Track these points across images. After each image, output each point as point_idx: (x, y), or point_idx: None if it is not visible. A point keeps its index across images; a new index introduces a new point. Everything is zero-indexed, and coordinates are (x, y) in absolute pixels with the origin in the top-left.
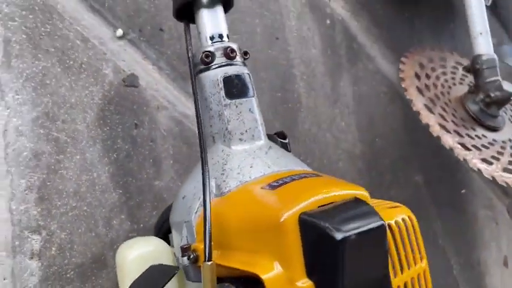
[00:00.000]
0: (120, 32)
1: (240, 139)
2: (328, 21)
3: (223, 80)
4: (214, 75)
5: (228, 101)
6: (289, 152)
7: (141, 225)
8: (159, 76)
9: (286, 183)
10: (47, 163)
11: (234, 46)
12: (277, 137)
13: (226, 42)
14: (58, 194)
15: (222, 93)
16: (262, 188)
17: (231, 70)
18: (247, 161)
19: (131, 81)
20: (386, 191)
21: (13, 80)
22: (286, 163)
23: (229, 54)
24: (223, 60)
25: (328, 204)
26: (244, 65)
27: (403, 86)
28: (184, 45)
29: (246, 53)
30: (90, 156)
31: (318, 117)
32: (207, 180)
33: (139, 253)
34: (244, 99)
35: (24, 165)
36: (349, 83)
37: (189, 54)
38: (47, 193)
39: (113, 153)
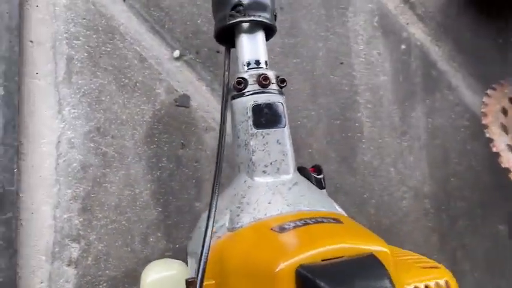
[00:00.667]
0: (177, 53)
1: (264, 171)
2: (403, 46)
3: (252, 108)
4: (245, 103)
5: (255, 130)
6: (323, 188)
7: (177, 245)
8: (211, 97)
9: (297, 227)
10: (93, 176)
11: (270, 73)
12: (311, 172)
13: (262, 69)
14: (100, 206)
15: (250, 121)
16: (271, 229)
17: (262, 98)
18: (267, 197)
19: (183, 102)
20: (458, 238)
21: (71, 95)
22: (310, 202)
23: (262, 81)
24: (256, 87)
25: (336, 258)
26: (281, 93)
27: (483, 122)
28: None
29: (283, 81)
30: (135, 172)
31: (382, 150)
32: (213, 214)
33: (159, 277)
34: (272, 130)
35: (72, 176)
36: (422, 114)
37: (225, 79)
38: (90, 204)
39: (156, 171)
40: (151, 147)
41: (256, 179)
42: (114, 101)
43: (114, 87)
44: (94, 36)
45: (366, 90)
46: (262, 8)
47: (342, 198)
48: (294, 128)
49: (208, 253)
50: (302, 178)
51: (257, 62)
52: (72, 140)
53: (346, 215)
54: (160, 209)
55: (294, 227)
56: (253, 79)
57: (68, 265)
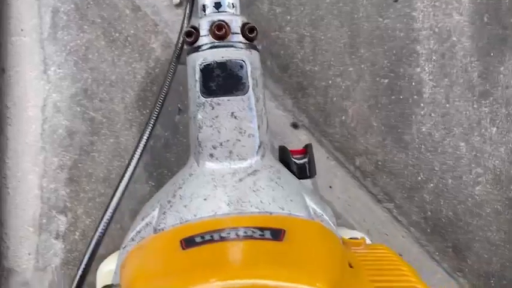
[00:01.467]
0: None
1: (211, 155)
2: None
3: (200, 69)
4: (194, 61)
5: (202, 99)
6: (309, 177)
7: None
8: None
9: (209, 242)
10: (80, 143)
11: (229, 19)
12: (293, 154)
13: (220, 14)
14: (88, 177)
15: (198, 87)
16: (182, 240)
17: (215, 55)
18: (205, 190)
19: (181, 58)
20: None
21: (57, 53)
22: (264, 200)
23: (215, 31)
24: (209, 39)
25: None
26: (248, 48)
27: None
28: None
29: (251, 30)
30: (125, 140)
31: (449, 118)
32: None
33: (111, 269)
34: (225, 99)
35: (58, 144)
36: None
37: (182, 30)
38: (77, 175)
39: (149, 140)
40: (144, 112)
41: (202, 164)
42: (102, 58)
43: (103, 43)
44: None
45: (430, 36)
46: None
47: (384, 180)
48: (323, 89)
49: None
50: (271, 164)
51: (217, 5)
52: (58, 104)
53: (329, 220)
54: (153, 184)
55: (204, 242)
56: (206, 28)
57: (56, 238)
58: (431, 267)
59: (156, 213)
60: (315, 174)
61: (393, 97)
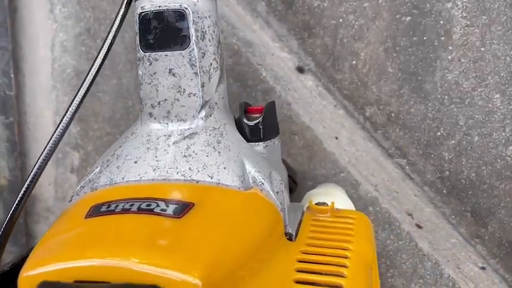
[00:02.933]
0: None
1: (150, 114)
2: None
3: (138, 20)
4: (135, 10)
5: (141, 53)
6: (261, 140)
7: None
8: None
9: (107, 213)
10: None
11: None
12: (248, 113)
13: None
14: (95, 116)
15: (137, 39)
16: (94, 206)
17: (152, 3)
18: (138, 152)
19: None
20: None
21: None
22: (193, 167)
23: None
24: None
25: (99, 282)
26: None
27: None
28: None
29: None
30: (126, 82)
31: (483, 64)
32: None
33: None
34: (162, 54)
35: (67, 83)
36: None
37: None
38: (85, 114)
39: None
40: None
41: (143, 123)
42: None
43: None
44: None
45: None
46: None
47: (397, 134)
48: (333, 29)
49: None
50: (215, 126)
51: None
52: (65, 43)
53: (271, 188)
54: None
55: (105, 213)
56: None
57: (71, 172)
58: (445, 229)
59: (97, 170)
60: (276, 135)
61: (415, 38)
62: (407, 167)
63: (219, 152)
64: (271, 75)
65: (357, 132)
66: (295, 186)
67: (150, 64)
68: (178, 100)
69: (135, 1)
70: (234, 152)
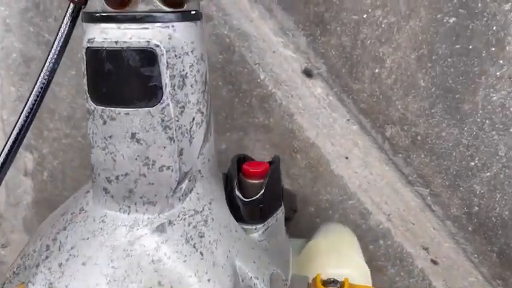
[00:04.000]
0: None
1: (105, 190)
2: None
3: (86, 57)
4: (83, 40)
5: (91, 104)
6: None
7: None
8: None
9: None
10: (38, 72)
11: None
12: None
13: None
14: (50, 114)
15: (85, 82)
16: None
17: (105, 36)
18: (87, 247)
19: None
20: None
21: None
22: (171, 279)
23: None
24: (101, 5)
25: None
26: (170, 21)
27: None
28: None
29: None
30: None
31: None
32: None
33: None
34: (122, 111)
35: (13, 71)
36: None
37: None
38: (39, 110)
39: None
40: None
41: (96, 199)
42: None
43: None
44: None
45: None
46: None
47: (422, 160)
48: (354, 26)
49: None
50: (197, 209)
51: None
52: (8, 21)
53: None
54: None
55: None
56: None
57: (24, 175)
58: (464, 267)
59: (35, 256)
60: (279, 206)
61: (457, 46)
62: (429, 198)
63: (201, 253)
64: (271, 78)
65: (372, 153)
66: (293, 215)
67: (104, 123)
68: (144, 176)
69: (82, 21)
70: (222, 250)
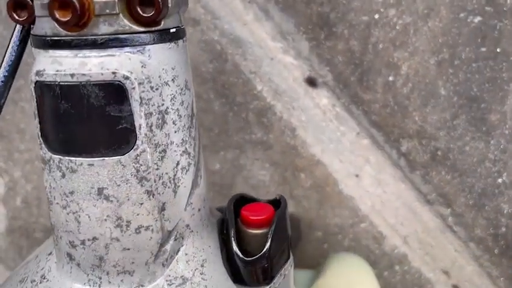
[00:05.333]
0: None
1: (69, 256)
2: None
3: (35, 93)
4: (31, 72)
5: (47, 153)
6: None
7: None
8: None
9: None
10: None
11: None
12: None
13: None
14: (20, 134)
15: (38, 128)
16: None
17: (57, 66)
18: None
19: None
20: None
21: None
22: None
23: (54, 12)
24: (51, 26)
25: None
26: (143, 43)
27: None
28: None
29: (148, 2)
30: None
31: None
32: None
33: None
34: (84, 161)
35: None
36: None
37: None
38: (7, 129)
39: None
40: None
41: (59, 265)
42: None
43: None
44: None
45: None
46: None
47: (443, 177)
48: (364, 28)
49: None
50: (185, 275)
51: None
52: None
53: None
54: None
55: None
56: (45, 0)
57: None
58: None
59: None
60: (287, 259)
61: (483, 49)
62: (450, 218)
63: None
64: (269, 89)
65: (386, 170)
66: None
67: (63, 176)
68: (117, 240)
69: (31, 45)
70: None
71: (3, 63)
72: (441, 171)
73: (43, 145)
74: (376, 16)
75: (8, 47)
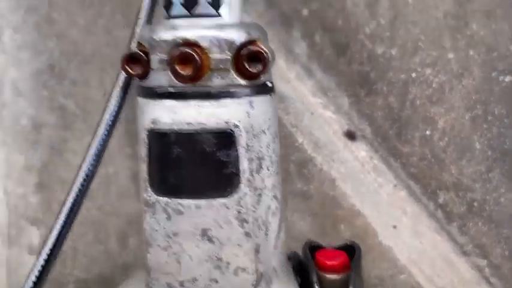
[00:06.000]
0: None
1: None
2: None
3: (147, 141)
4: (144, 118)
5: (152, 195)
6: None
7: None
8: None
9: None
10: (50, 139)
11: (209, 37)
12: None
13: (189, 24)
14: (61, 184)
15: (145, 170)
16: None
17: (174, 115)
18: None
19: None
20: None
21: (12, 10)
22: None
23: (175, 67)
24: (168, 79)
25: None
26: (247, 94)
27: None
28: None
29: (254, 58)
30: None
31: None
32: None
33: None
34: (192, 203)
35: (22, 138)
36: None
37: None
38: (48, 179)
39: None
40: (131, 102)
41: None
42: (72, 21)
43: None
44: None
45: None
46: None
47: (480, 228)
48: (402, 85)
49: None
50: None
51: (191, 1)
52: (18, 84)
53: None
54: None
55: None
56: (162, 56)
57: (30, 253)
58: None
59: None
60: None
61: None
62: (486, 269)
63: None
64: (309, 141)
65: (423, 221)
66: None
67: (169, 218)
68: (216, 281)
69: (137, 95)
70: None
71: (105, 114)
72: (477, 223)
73: (149, 188)
74: (414, 75)
75: (110, 97)
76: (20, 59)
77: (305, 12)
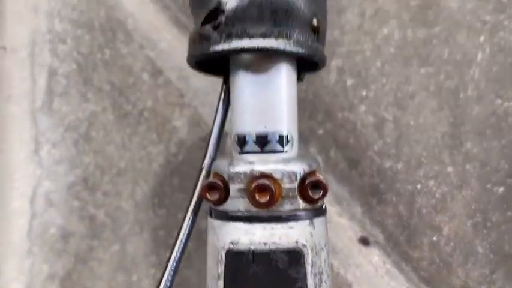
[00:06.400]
0: None
1: None
2: None
3: (225, 260)
4: (218, 240)
5: None
6: None
7: None
8: None
9: None
10: (77, 248)
11: (279, 170)
12: None
13: (261, 159)
14: None
15: (221, 286)
16: None
17: (252, 237)
18: None
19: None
20: None
21: (52, 128)
22: None
23: (254, 195)
24: (245, 205)
25: None
26: (310, 217)
27: None
28: None
29: (316, 186)
30: (133, 249)
31: None
32: None
33: None
34: None
35: (48, 247)
36: None
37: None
38: None
39: (165, 250)
40: (159, 212)
41: None
42: (109, 138)
43: (111, 118)
44: (87, 37)
45: None
46: (284, 17)
47: None
48: (409, 196)
49: None
50: None
51: (261, 140)
52: (51, 196)
53: None
54: None
55: None
56: (240, 185)
57: None
58: None
59: None
60: None
61: (509, 213)
62: None
63: None
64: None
65: None
66: None
67: None
68: None
69: (211, 217)
70: None
71: (182, 230)
72: None
73: None
74: (419, 186)
75: (184, 220)
76: (55, 172)
77: (320, 131)
